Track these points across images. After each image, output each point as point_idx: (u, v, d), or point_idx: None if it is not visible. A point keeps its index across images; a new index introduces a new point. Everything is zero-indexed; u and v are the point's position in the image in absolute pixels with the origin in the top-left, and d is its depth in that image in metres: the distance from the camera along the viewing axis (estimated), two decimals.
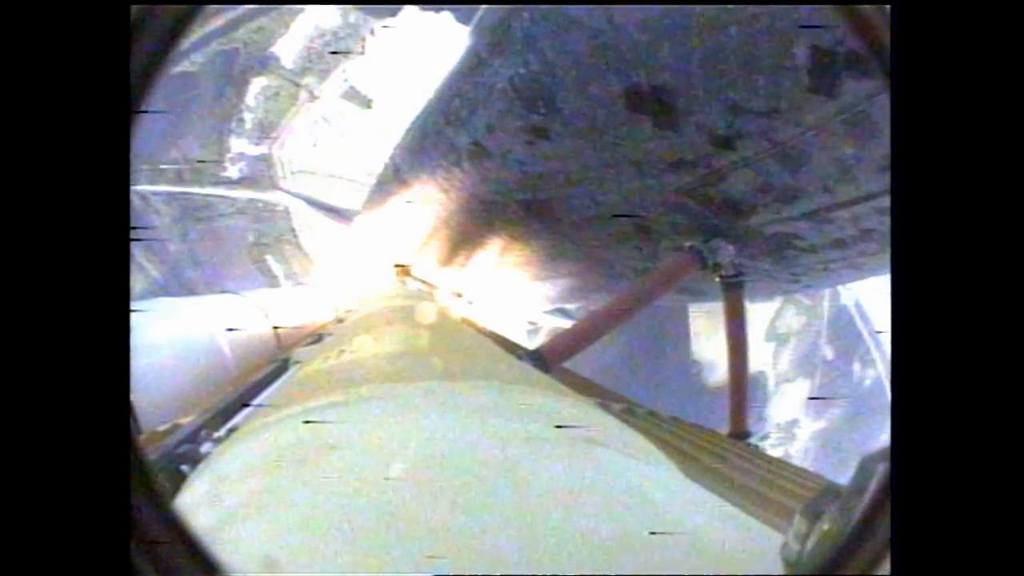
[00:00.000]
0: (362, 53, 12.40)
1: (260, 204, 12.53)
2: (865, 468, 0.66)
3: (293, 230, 12.98)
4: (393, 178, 8.63)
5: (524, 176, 5.62)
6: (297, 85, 12.28)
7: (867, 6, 0.67)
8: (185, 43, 0.62)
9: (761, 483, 2.36)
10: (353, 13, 12.14)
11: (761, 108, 3.66)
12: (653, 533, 0.86)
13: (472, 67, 5.25)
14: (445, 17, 12.08)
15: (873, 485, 0.63)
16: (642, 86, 4.00)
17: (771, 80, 3.48)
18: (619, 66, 4.00)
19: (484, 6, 5.20)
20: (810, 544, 0.67)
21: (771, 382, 17.01)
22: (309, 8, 12.13)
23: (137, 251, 12.48)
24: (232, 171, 12.21)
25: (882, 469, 0.64)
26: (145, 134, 11.95)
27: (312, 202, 12.77)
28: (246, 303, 5.94)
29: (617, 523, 0.88)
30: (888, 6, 0.66)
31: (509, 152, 5.44)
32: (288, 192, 12.88)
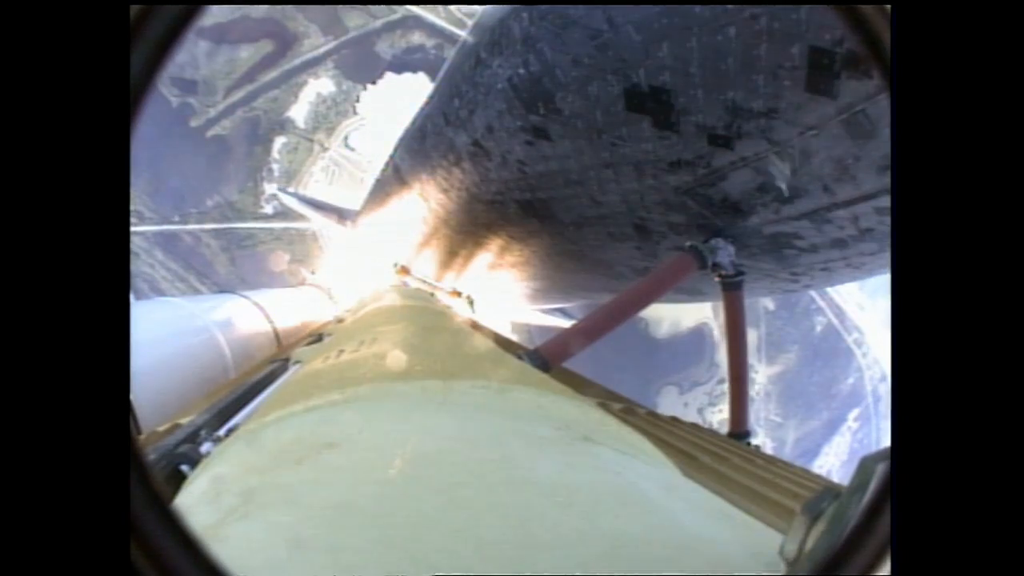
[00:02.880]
0: (356, 114, 16.13)
1: (293, 231, 16.08)
2: (865, 468, 0.65)
3: (321, 248, 16.23)
4: (393, 178, 8.64)
5: (524, 176, 5.62)
6: (311, 140, 16.07)
7: (867, 6, 0.67)
8: (184, 43, 0.62)
9: (761, 483, 2.35)
10: (345, 82, 16.08)
11: (761, 108, 3.66)
12: (652, 533, 0.86)
13: (472, 67, 5.25)
14: (420, 78, 15.45)
15: (872, 485, 0.63)
16: (642, 86, 4.00)
17: (771, 80, 3.48)
18: (619, 66, 4.00)
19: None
20: (810, 544, 0.67)
21: (716, 332, 18.23)
22: (311, 80, 15.96)
23: (192, 277, 16.22)
24: (267, 208, 15.95)
25: (882, 469, 0.64)
26: (190, 186, 15.83)
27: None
28: (246, 303, 5.94)
29: (616, 522, 0.88)
30: (888, 6, 0.66)
31: (509, 152, 5.44)
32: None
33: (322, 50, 15.84)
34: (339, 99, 16.15)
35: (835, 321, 18.24)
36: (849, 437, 18.78)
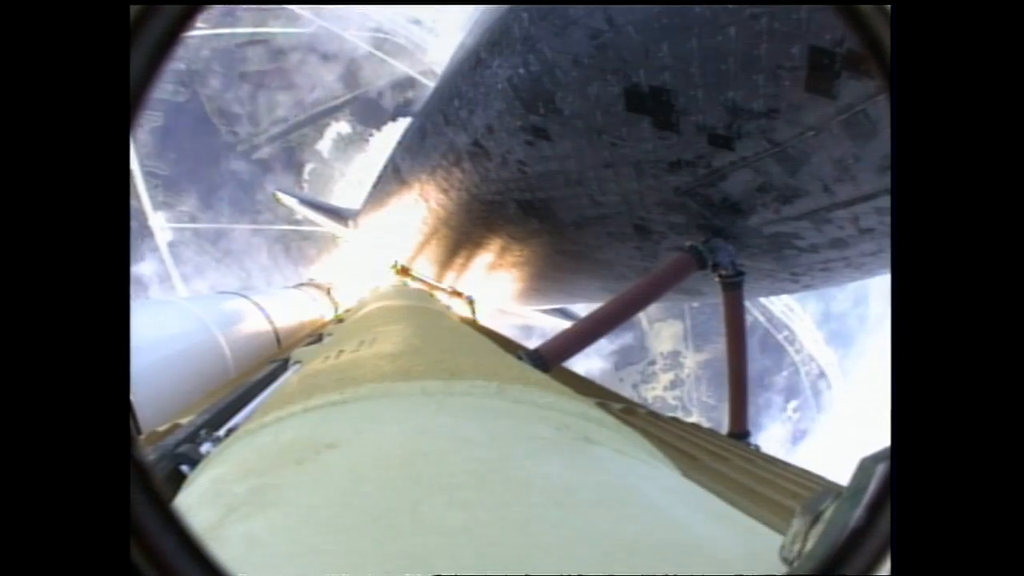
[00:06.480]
0: (365, 152, 21.32)
1: (318, 233, 20.36)
2: (864, 469, 0.65)
3: (338, 246, 19.77)
4: (393, 178, 8.64)
5: (524, 176, 5.62)
6: (332, 167, 21.80)
7: (867, 6, 0.67)
8: (185, 43, 0.62)
9: (761, 483, 2.36)
10: (359, 125, 21.98)
11: (761, 108, 3.66)
12: (652, 533, 0.86)
13: (472, 67, 5.25)
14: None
15: (872, 485, 0.63)
16: (642, 86, 4.00)
17: (771, 80, 3.48)
18: (619, 66, 4.00)
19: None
20: (810, 544, 0.67)
21: (644, 323, 21.07)
22: (333, 123, 21.92)
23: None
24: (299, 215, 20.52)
25: (881, 469, 0.64)
26: (240, 196, 21.13)
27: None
28: (246, 303, 5.94)
29: (616, 523, 0.88)
30: (888, 6, 0.66)
31: (509, 152, 5.44)
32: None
33: (341, 100, 21.77)
34: (353, 138, 21.96)
35: (761, 319, 19.98)
36: (791, 426, 21.16)
